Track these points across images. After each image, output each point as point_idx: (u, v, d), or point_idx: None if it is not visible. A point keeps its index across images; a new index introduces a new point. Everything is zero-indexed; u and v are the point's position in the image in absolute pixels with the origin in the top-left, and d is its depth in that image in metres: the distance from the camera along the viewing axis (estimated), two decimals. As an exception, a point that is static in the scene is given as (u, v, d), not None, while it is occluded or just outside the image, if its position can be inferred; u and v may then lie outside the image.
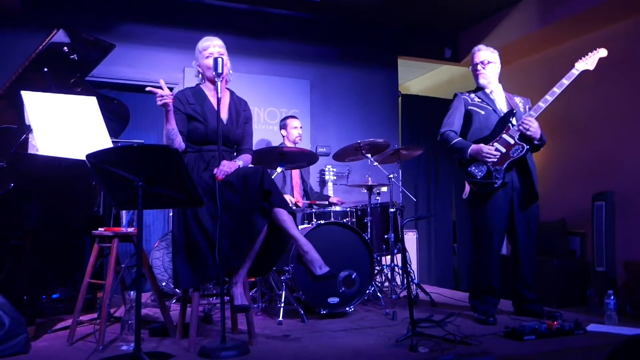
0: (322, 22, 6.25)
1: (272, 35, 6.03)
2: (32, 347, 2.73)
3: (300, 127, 5.12)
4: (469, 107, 3.68)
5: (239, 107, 3.21)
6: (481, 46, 3.76)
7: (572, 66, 3.58)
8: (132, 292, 2.75)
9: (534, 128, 3.48)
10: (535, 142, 3.55)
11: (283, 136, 5.12)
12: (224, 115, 3.11)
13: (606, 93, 5.41)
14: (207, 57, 3.07)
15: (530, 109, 3.62)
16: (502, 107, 3.66)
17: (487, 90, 3.72)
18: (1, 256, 2.87)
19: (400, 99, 6.81)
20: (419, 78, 8.26)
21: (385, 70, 6.60)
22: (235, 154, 3.19)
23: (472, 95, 3.73)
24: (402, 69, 6.88)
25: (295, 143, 5.03)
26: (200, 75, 3.17)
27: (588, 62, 3.58)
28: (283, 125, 5.13)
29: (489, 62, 3.68)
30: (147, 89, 2.80)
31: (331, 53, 6.35)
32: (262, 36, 5.97)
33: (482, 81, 3.70)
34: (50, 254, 3.44)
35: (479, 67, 3.69)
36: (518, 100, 3.74)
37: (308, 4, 5.80)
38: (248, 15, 5.89)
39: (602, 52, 3.61)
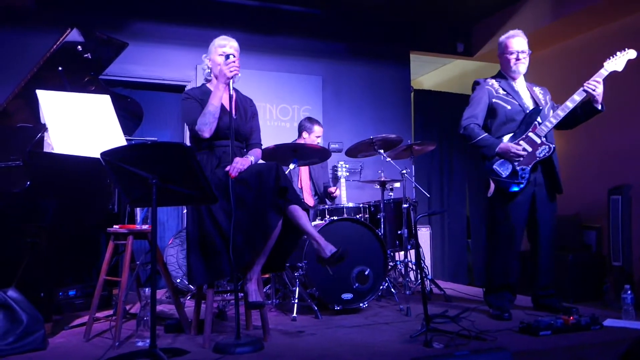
0: (334, 17, 6.23)
1: (283, 31, 6.03)
2: (49, 344, 2.77)
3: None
4: (494, 100, 3.50)
5: (245, 103, 3.25)
6: (518, 31, 3.57)
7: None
8: (147, 289, 2.75)
9: (600, 89, 3.38)
10: (597, 105, 3.43)
11: (304, 138, 4.78)
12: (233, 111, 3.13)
13: (623, 86, 5.33)
14: (220, 55, 3.08)
15: (550, 100, 3.56)
16: (527, 101, 3.52)
17: (513, 82, 3.56)
18: (18, 253, 2.90)
19: (412, 94, 6.78)
20: (432, 73, 8.22)
21: (397, 65, 6.58)
22: (245, 149, 3.21)
23: (495, 85, 3.55)
24: (414, 64, 6.85)
25: None
26: (208, 71, 3.19)
27: (617, 63, 3.42)
28: (308, 128, 4.78)
29: (530, 52, 3.54)
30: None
31: (343, 49, 6.33)
32: (274, 33, 5.97)
33: (522, 69, 3.53)
34: (66, 251, 3.47)
35: (521, 55, 3.50)
36: (538, 90, 3.61)
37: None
38: (259, 12, 5.90)
39: (632, 54, 3.42)
